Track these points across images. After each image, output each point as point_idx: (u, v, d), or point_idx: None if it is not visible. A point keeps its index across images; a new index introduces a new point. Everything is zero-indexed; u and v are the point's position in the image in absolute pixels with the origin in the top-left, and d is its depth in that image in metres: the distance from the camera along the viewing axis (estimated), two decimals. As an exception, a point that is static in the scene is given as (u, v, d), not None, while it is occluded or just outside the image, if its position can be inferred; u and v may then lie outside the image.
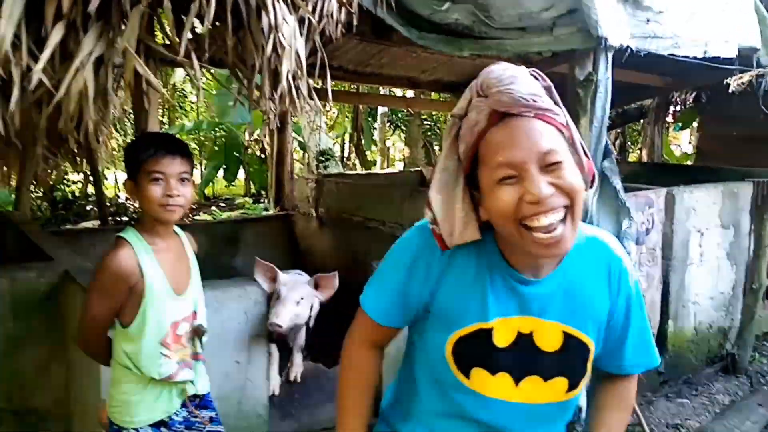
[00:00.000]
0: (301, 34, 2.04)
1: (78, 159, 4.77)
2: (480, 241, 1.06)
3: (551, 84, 1.03)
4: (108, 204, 8.83)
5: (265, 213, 7.67)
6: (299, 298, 2.73)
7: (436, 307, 1.10)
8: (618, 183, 2.86)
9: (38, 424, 2.90)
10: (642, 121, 7.66)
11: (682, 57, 3.09)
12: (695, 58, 3.14)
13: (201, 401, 1.85)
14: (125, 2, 1.64)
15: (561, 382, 1.10)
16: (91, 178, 6.73)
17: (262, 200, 9.40)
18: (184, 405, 1.78)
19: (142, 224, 1.69)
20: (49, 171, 5.09)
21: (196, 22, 1.97)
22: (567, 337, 1.09)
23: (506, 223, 0.98)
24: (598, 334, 1.13)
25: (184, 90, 9.14)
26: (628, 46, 2.79)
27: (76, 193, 8.81)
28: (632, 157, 10.11)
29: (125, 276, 1.59)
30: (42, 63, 1.55)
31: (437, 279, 1.09)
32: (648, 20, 3.00)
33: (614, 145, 9.02)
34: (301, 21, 2.08)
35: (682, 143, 12.43)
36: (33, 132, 2.31)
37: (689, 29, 3.14)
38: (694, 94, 6.71)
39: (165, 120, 11.04)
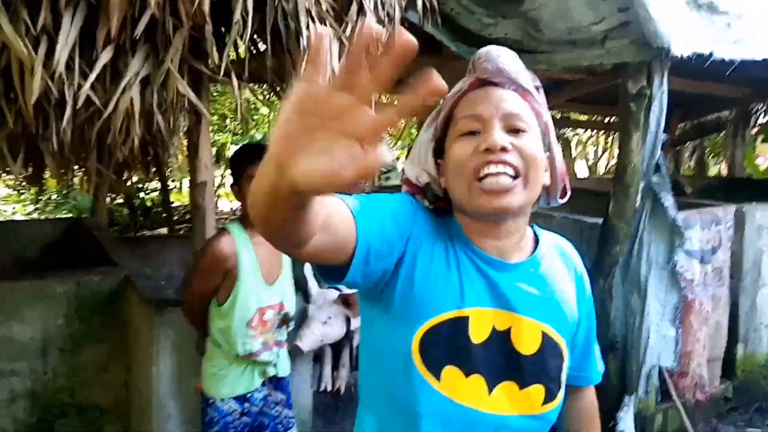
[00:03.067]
0: (341, 54, 2.08)
1: (150, 169, 5.05)
2: (447, 222, 0.98)
3: (541, 85, 1.02)
4: (183, 210, 9.23)
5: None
6: (326, 318, 2.58)
7: (405, 285, 0.91)
8: (668, 200, 2.72)
9: (99, 420, 3.07)
10: (723, 132, 7.22)
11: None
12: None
13: (279, 383, 2.09)
14: (169, 26, 1.74)
15: (537, 391, 0.95)
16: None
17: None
18: (264, 385, 2.02)
19: (245, 220, 1.93)
20: (124, 180, 5.40)
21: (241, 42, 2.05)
22: (545, 338, 0.96)
23: (459, 177, 0.92)
24: (568, 339, 1.01)
25: (255, 104, 9.46)
26: (710, 53, 2.62)
27: (155, 201, 9.25)
28: (713, 171, 9.54)
29: (223, 260, 1.83)
30: (89, 82, 1.68)
31: (414, 236, 0.93)
32: (729, 24, 2.84)
33: (690, 158, 8.55)
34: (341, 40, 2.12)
35: (771, 156, 11.59)
36: (96, 146, 2.47)
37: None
38: (778, 104, 6.27)
39: (239, 131, 11.49)
